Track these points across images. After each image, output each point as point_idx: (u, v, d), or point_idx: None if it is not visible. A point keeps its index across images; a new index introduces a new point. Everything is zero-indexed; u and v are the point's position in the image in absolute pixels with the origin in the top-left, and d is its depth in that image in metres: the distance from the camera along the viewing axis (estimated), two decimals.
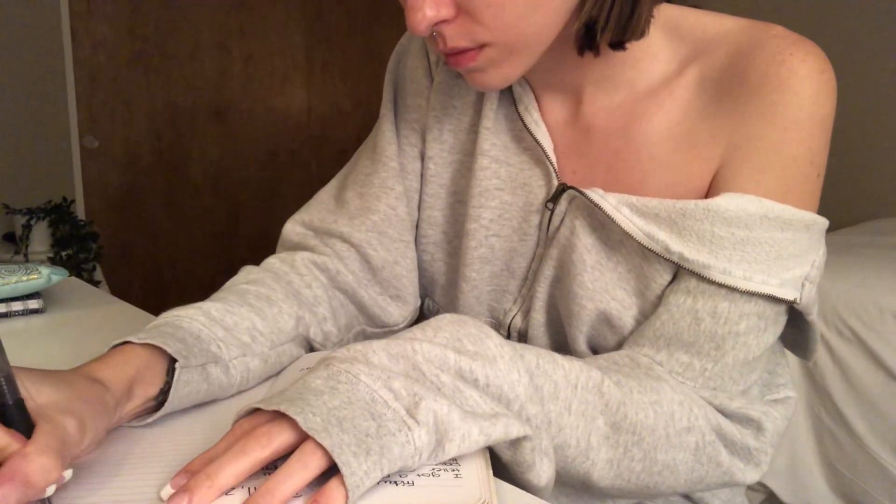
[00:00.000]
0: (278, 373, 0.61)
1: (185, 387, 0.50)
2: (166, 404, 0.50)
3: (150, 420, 0.50)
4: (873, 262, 1.71)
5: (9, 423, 0.38)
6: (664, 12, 0.58)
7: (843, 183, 2.66)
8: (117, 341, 0.50)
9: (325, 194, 0.74)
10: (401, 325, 0.72)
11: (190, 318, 0.55)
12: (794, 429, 1.60)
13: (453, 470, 0.43)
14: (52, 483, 0.37)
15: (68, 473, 0.39)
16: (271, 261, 0.68)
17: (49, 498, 0.39)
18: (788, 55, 0.53)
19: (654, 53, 0.58)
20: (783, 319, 0.58)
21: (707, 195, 0.57)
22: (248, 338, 0.57)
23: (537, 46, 0.53)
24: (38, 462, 0.36)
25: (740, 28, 0.56)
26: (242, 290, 0.61)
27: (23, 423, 0.39)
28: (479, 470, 0.43)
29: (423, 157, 0.70)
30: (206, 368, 0.52)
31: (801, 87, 0.53)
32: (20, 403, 0.39)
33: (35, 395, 0.41)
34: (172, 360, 0.50)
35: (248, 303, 0.59)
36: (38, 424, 0.39)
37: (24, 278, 0.78)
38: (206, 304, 0.57)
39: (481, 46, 0.52)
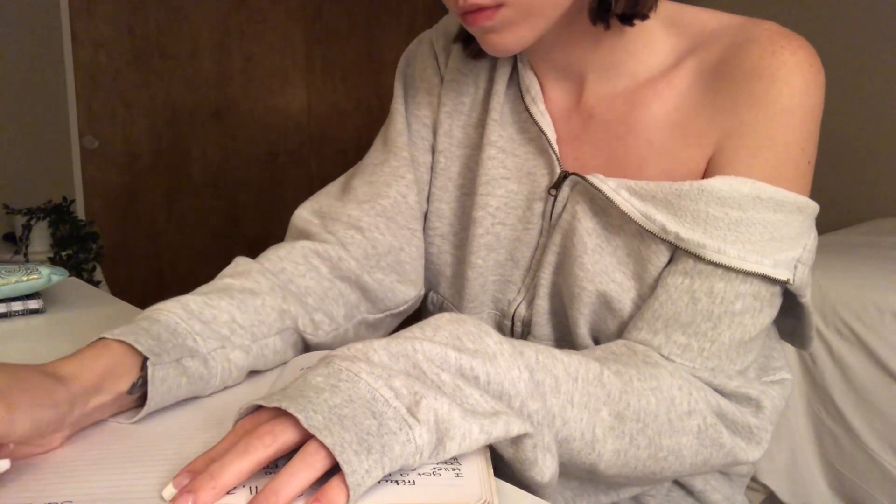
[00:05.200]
0: (280, 370, 0.61)
1: (162, 383, 0.50)
2: (147, 402, 0.50)
3: (136, 419, 0.50)
4: (873, 262, 1.71)
5: None
6: (665, 8, 0.61)
7: (843, 183, 2.67)
8: (94, 339, 0.51)
9: (333, 187, 0.75)
10: (402, 309, 0.73)
11: (168, 311, 0.55)
12: (794, 429, 1.60)
13: (454, 469, 0.43)
14: None
15: (3, 464, 0.39)
16: (269, 250, 0.68)
17: None
18: (779, 47, 0.55)
19: (654, 45, 0.61)
20: (778, 301, 0.59)
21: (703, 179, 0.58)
22: (226, 331, 0.57)
23: (553, 10, 0.55)
24: None
25: (736, 24, 0.59)
26: (226, 285, 0.61)
27: None
28: (480, 469, 0.43)
29: (433, 151, 0.72)
30: (181, 363, 0.52)
31: (791, 77, 0.55)
32: None
33: None
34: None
35: (230, 296, 0.60)
36: None
37: (24, 278, 0.78)
38: (185, 298, 0.57)
39: (498, 6, 0.54)
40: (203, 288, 0.61)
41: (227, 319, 0.58)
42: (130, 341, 0.50)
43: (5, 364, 0.45)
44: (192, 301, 0.57)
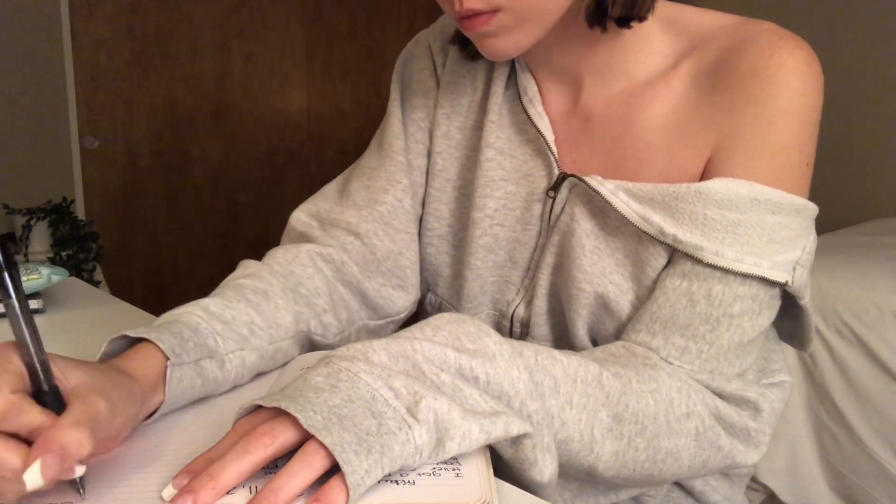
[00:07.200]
0: (280, 370, 0.61)
1: (178, 384, 0.50)
2: (164, 403, 0.50)
3: (151, 420, 0.50)
4: (873, 262, 1.71)
5: (44, 407, 0.40)
6: (663, 9, 0.60)
7: (843, 183, 2.66)
8: (114, 336, 0.50)
9: (331, 189, 0.75)
10: (402, 315, 0.73)
11: (188, 312, 0.55)
12: (794, 429, 1.60)
13: (454, 469, 0.43)
14: (84, 454, 0.38)
15: (80, 469, 0.39)
16: (275, 252, 0.68)
17: (81, 479, 0.40)
18: (777, 49, 0.55)
19: (651, 46, 0.61)
20: (777, 304, 0.59)
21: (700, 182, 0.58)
22: (246, 331, 0.57)
23: (549, 16, 0.55)
24: (72, 433, 0.37)
25: (734, 24, 0.59)
26: (239, 286, 0.61)
27: (57, 406, 0.40)
28: (479, 469, 0.43)
29: (429, 154, 0.72)
30: (199, 364, 0.52)
31: (789, 78, 0.55)
32: (55, 389, 0.41)
33: (68, 378, 0.42)
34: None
35: (246, 298, 0.59)
36: (71, 403, 0.40)
37: (24, 278, 0.78)
38: (204, 301, 0.57)
39: (495, 11, 0.54)
40: (216, 291, 0.61)
41: (246, 320, 0.58)
42: (153, 338, 0.50)
43: (85, 361, 0.45)
44: (211, 303, 0.57)
